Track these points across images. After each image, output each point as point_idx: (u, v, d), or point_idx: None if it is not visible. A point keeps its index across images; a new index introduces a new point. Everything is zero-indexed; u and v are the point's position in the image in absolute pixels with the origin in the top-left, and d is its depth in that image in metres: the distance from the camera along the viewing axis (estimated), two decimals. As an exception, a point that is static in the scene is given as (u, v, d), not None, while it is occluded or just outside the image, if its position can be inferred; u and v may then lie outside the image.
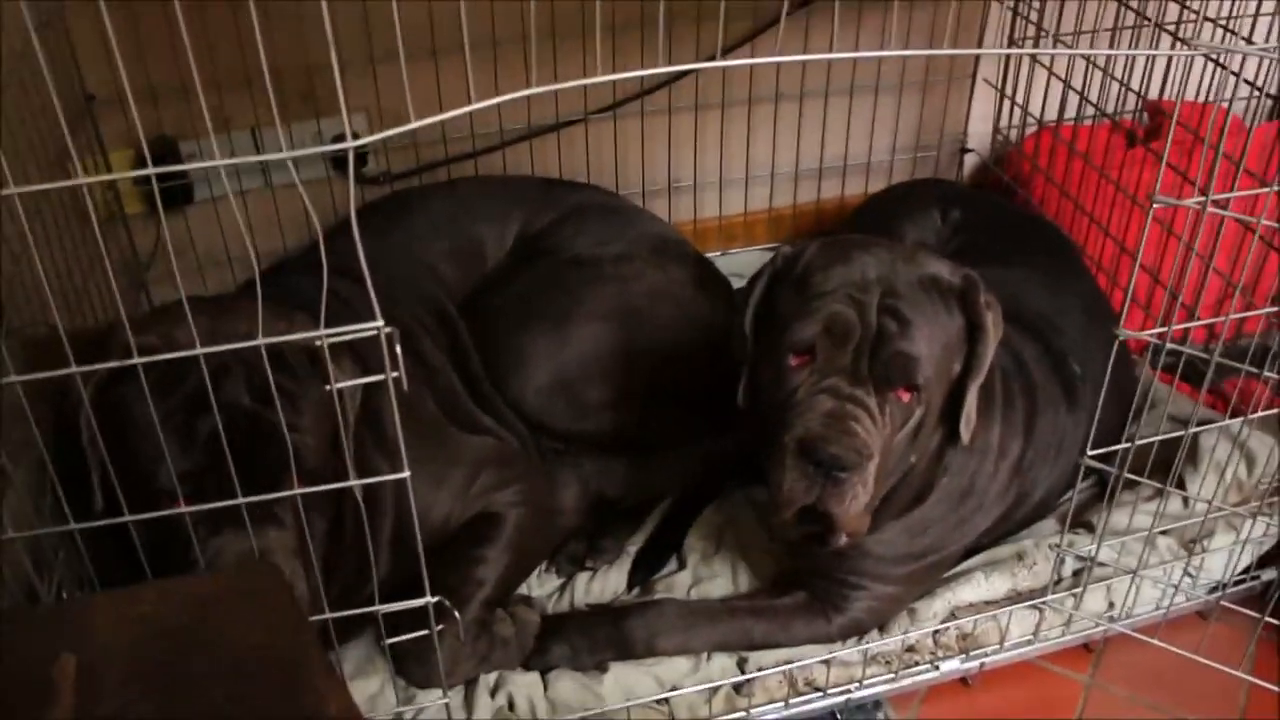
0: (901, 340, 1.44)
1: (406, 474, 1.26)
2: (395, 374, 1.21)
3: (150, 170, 1.10)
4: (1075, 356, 1.82)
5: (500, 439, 1.89)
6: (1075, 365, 1.81)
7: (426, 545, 1.72)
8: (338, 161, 2.22)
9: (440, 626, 1.40)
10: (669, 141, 2.32)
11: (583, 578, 1.87)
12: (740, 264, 2.37)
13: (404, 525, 1.71)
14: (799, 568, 1.76)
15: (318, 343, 1.18)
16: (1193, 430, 1.59)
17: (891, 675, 1.71)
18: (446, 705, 1.50)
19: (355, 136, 1.10)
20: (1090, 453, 1.56)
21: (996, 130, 2.45)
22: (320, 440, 1.49)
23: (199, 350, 1.15)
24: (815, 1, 2.14)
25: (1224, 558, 1.80)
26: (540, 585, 1.87)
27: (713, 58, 2.05)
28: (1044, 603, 1.75)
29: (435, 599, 1.37)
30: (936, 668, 1.74)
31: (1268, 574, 1.84)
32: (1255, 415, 1.66)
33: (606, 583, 1.86)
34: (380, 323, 1.17)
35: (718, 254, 2.46)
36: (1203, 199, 1.35)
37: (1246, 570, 1.83)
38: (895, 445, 1.49)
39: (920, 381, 1.45)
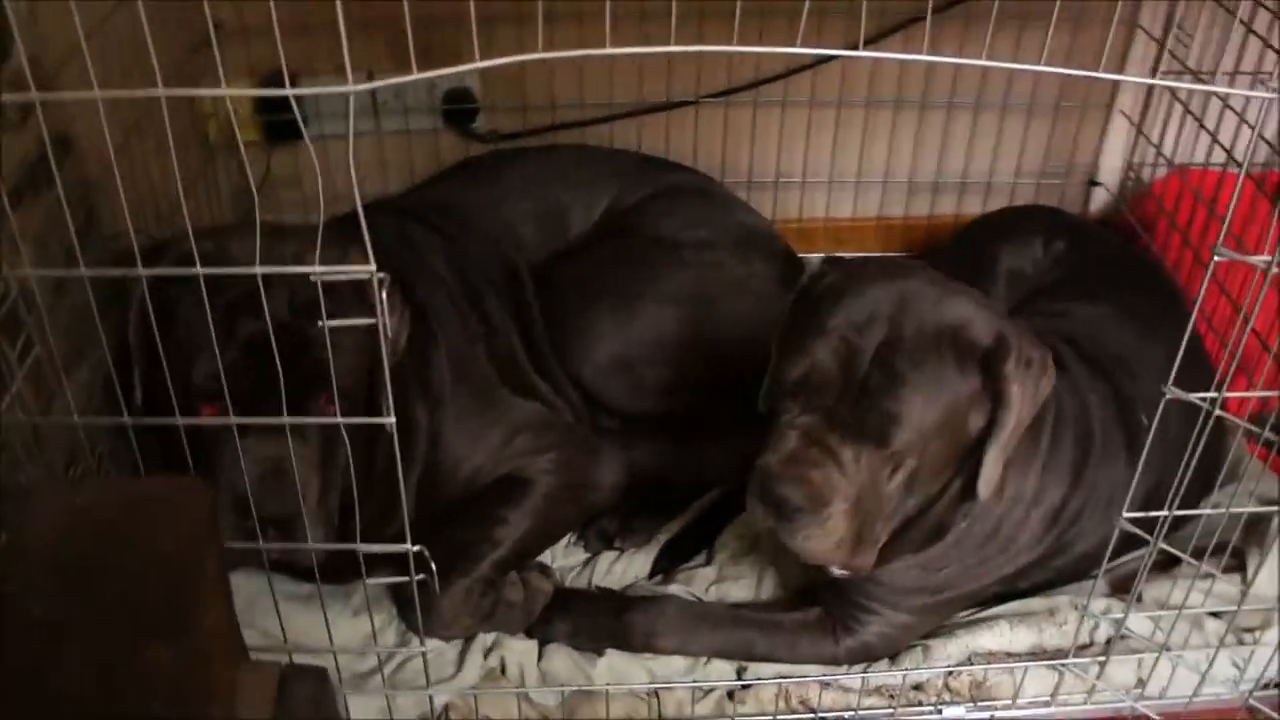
0: (885, 398, 1.35)
1: (391, 419, 1.27)
2: (384, 319, 1.22)
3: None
4: (1146, 408, 1.71)
5: (552, 407, 1.92)
6: (1143, 416, 1.69)
7: (452, 497, 1.79)
8: (447, 115, 2.29)
9: (421, 576, 1.42)
10: (780, 134, 2.29)
11: (608, 557, 1.88)
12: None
13: (433, 470, 1.76)
14: (816, 583, 1.73)
15: (311, 278, 1.20)
16: (1249, 510, 1.50)
17: (890, 710, 1.67)
18: (424, 655, 1.54)
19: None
20: (1127, 514, 1.48)
21: (1129, 167, 2.33)
22: (356, 367, 1.51)
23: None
24: (947, 9, 2.07)
25: (1268, 655, 1.68)
26: (564, 557, 1.88)
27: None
28: (1065, 664, 1.67)
29: (416, 548, 1.39)
30: (939, 711, 1.67)
31: (1328, 677, 1.72)
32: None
33: (630, 566, 1.87)
34: (372, 267, 1.18)
35: (819, 256, 2.41)
36: (1268, 258, 1.27)
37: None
38: (884, 492, 1.41)
39: (898, 445, 1.37)
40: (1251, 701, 1.67)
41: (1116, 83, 2.21)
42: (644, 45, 1.08)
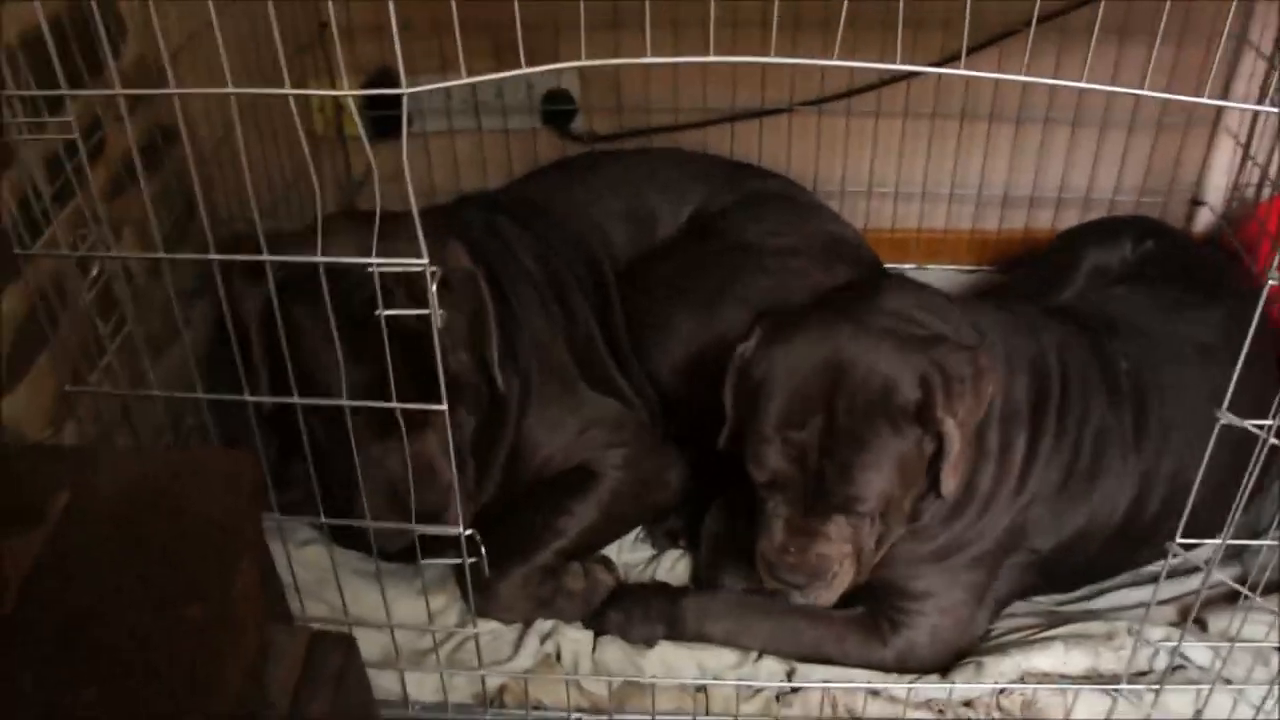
0: (840, 484, 1.48)
1: (444, 407, 1.33)
2: (441, 313, 1.27)
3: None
4: (1134, 364, 1.76)
5: (629, 405, 1.97)
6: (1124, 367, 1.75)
7: (525, 482, 1.86)
8: (546, 115, 2.36)
9: (474, 560, 1.49)
10: (873, 144, 2.31)
11: (671, 555, 1.92)
12: (941, 280, 2.32)
13: (515, 452, 1.84)
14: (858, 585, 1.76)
15: (369, 269, 1.26)
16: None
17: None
18: (476, 636, 1.62)
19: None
20: (1180, 539, 1.47)
21: (1235, 187, 2.28)
22: (473, 356, 1.63)
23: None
24: (1045, 22, 2.06)
25: (1345, 694, 1.64)
26: (630, 552, 1.94)
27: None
28: (1118, 690, 1.65)
29: (469, 531, 1.46)
30: (984, 729, 1.69)
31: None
32: None
33: (692, 566, 1.92)
34: (425, 260, 1.24)
35: (912, 267, 2.42)
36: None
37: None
38: (869, 539, 1.56)
39: (865, 511, 1.51)
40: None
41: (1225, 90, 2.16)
42: (735, 54, 1.12)
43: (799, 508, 1.53)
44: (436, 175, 2.37)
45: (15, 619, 0.94)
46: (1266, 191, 2.18)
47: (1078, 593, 1.88)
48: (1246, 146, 2.23)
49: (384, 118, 2.35)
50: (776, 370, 1.51)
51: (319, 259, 1.28)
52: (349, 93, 1.25)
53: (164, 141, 1.70)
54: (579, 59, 2.20)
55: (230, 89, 1.16)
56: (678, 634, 1.74)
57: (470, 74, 2.36)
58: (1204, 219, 2.38)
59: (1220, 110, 2.23)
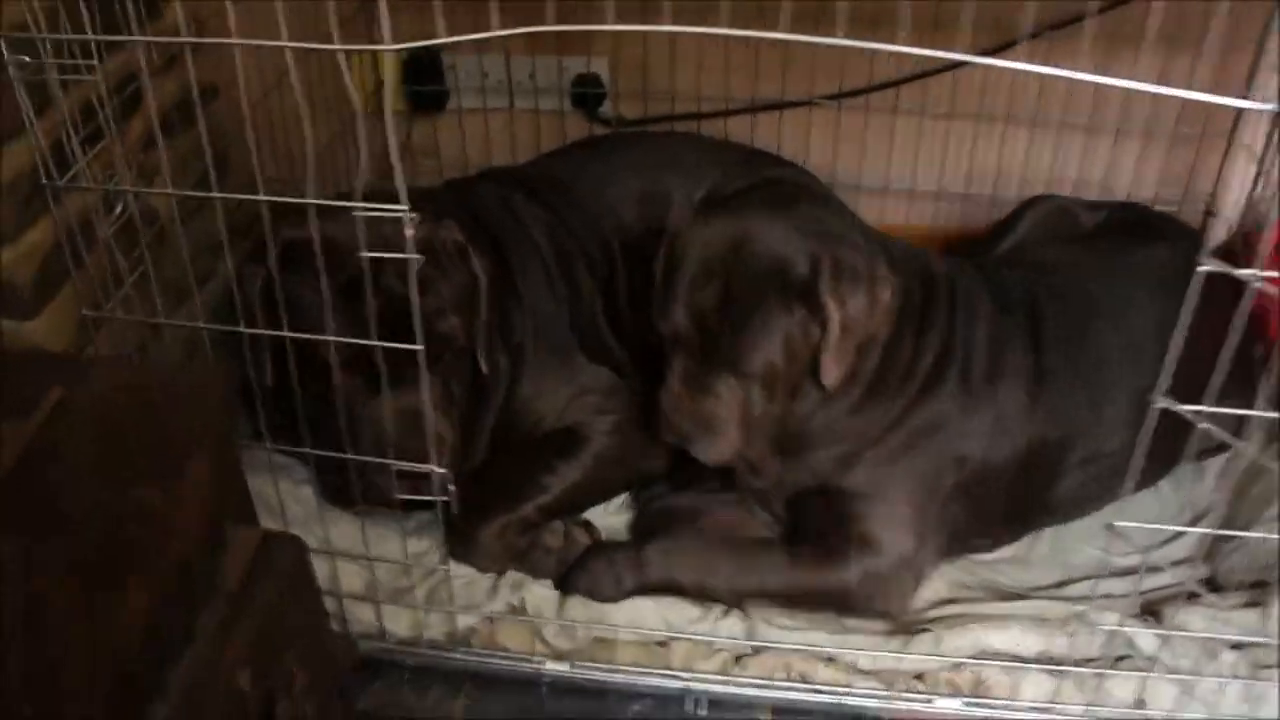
0: (728, 342, 1.68)
1: (421, 347, 1.47)
2: (419, 257, 1.41)
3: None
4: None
5: (624, 376, 2.11)
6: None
7: (517, 442, 2.00)
8: (576, 98, 2.51)
9: (446, 498, 1.64)
10: (890, 141, 2.42)
11: (654, 522, 2.06)
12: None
13: (506, 413, 1.98)
14: (795, 524, 1.92)
15: (353, 214, 1.40)
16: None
17: (886, 692, 1.78)
18: (448, 576, 1.76)
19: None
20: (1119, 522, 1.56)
21: (1251, 202, 2.33)
22: (458, 319, 1.77)
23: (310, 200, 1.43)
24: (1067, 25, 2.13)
25: (1288, 694, 1.70)
26: (615, 516, 2.06)
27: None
28: (1063, 670, 1.74)
29: (442, 470, 1.61)
30: (930, 700, 1.78)
31: (1355, 733, 1.73)
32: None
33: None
34: (405, 206, 1.38)
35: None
36: (1254, 273, 1.32)
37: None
38: (756, 400, 1.73)
39: (748, 372, 1.70)
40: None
41: (1238, 112, 2.21)
42: (775, 45, 1.24)
43: (694, 363, 1.72)
44: (470, 150, 2.53)
45: (6, 486, 1.10)
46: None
47: (1049, 581, 1.96)
48: (1263, 157, 2.28)
49: (424, 93, 2.53)
50: (694, 242, 1.71)
51: (310, 201, 1.42)
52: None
53: (200, 99, 1.87)
54: (612, 44, 2.37)
55: (285, 42, 1.31)
56: (645, 582, 1.85)
57: (507, 55, 2.52)
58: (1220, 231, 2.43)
59: (1236, 123, 2.28)
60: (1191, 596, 1.80)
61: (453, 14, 2.26)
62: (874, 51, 1.20)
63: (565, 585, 1.88)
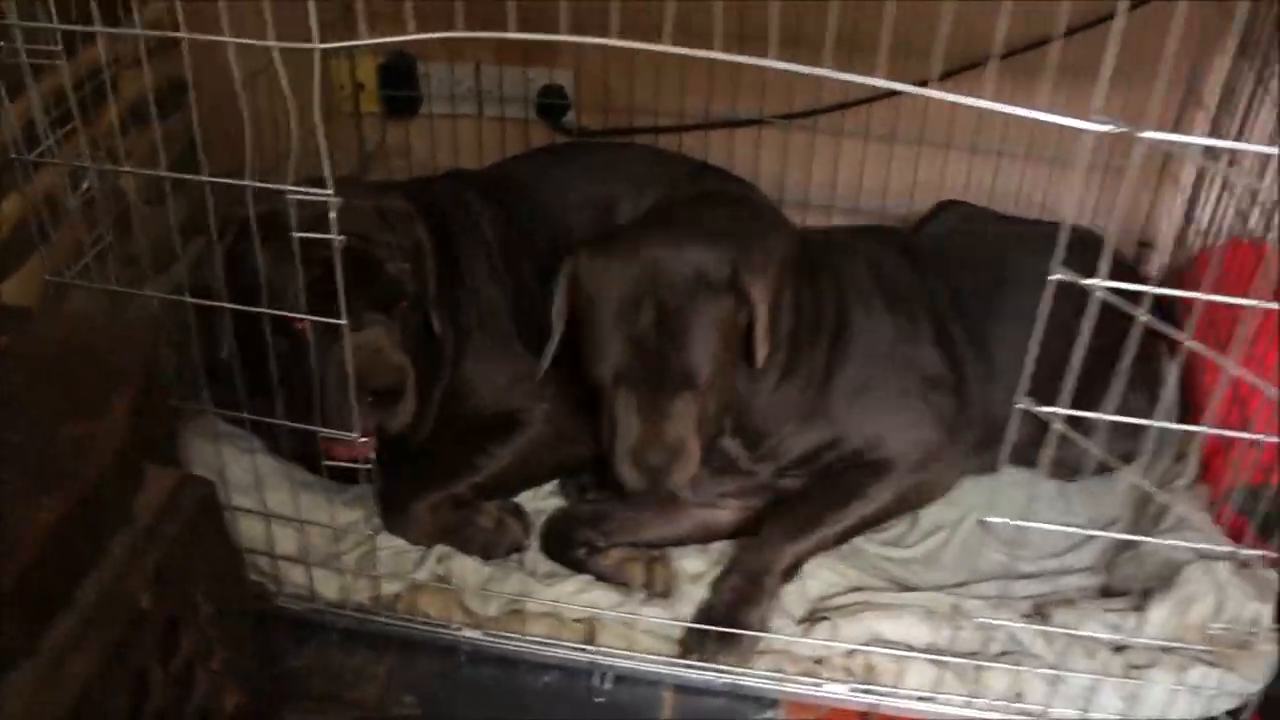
0: (679, 357, 1.80)
1: (344, 321, 1.63)
2: (341, 239, 1.57)
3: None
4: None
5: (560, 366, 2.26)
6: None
7: (455, 422, 2.15)
8: (540, 109, 2.68)
9: (369, 466, 1.80)
10: (835, 161, 2.57)
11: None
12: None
13: (452, 396, 2.14)
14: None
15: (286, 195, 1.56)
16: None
17: (779, 674, 1.91)
18: (374, 543, 1.92)
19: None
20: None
21: (1183, 234, 2.46)
22: (412, 281, 1.95)
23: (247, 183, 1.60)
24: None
25: (1164, 695, 1.82)
26: (544, 500, 2.20)
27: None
28: (944, 660, 1.87)
29: (364, 439, 1.76)
30: (820, 685, 1.91)
31: (1223, 735, 1.85)
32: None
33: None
34: (330, 191, 1.54)
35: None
36: (1099, 283, 1.46)
37: (1205, 722, 1.85)
38: (711, 412, 1.87)
39: (702, 380, 1.81)
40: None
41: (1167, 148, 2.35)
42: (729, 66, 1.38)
43: (645, 394, 1.82)
44: (440, 153, 2.70)
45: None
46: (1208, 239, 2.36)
47: (953, 581, 2.09)
48: (1194, 191, 2.41)
49: (397, 98, 2.71)
50: (605, 281, 1.83)
51: (247, 183, 1.58)
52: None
53: (170, 93, 2.04)
54: (575, 57, 2.54)
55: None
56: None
57: (477, 65, 2.70)
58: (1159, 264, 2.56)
59: (1167, 157, 2.42)
60: (1067, 601, 1.93)
61: (425, 25, 2.44)
62: (798, 74, 1.33)
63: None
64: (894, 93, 2.27)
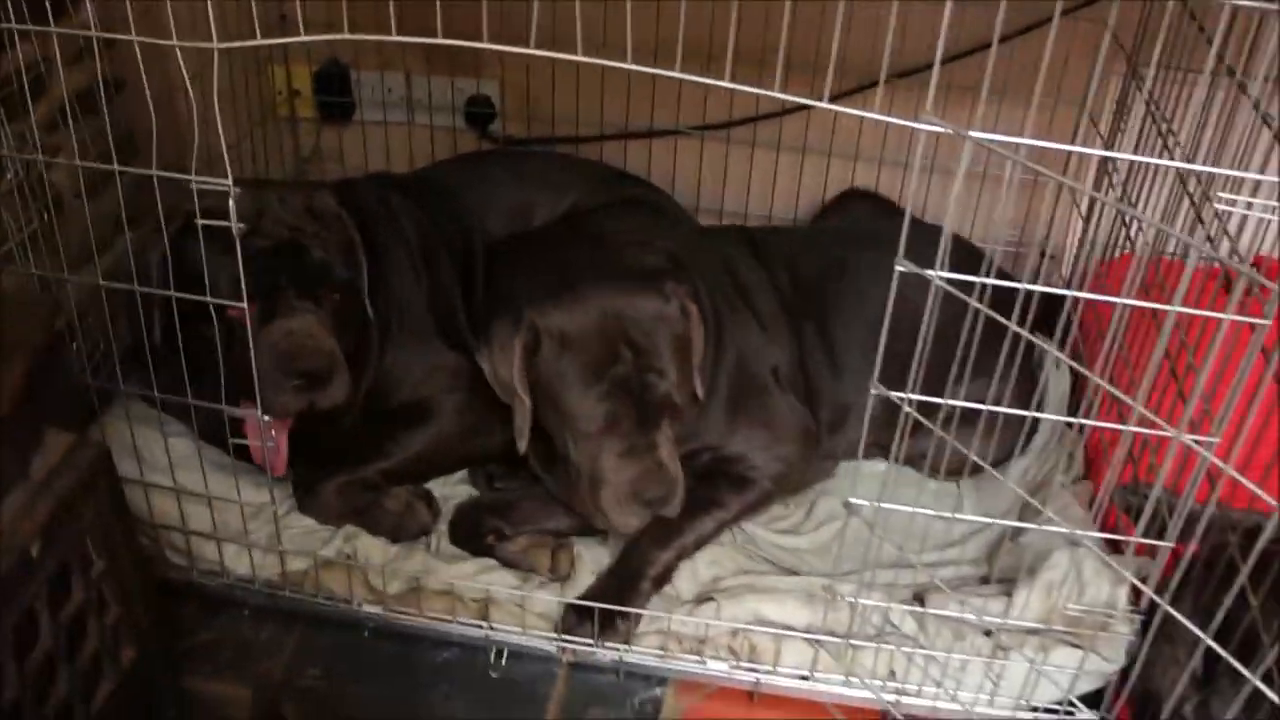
0: (661, 388, 1.95)
1: (244, 304, 1.76)
2: (239, 225, 1.70)
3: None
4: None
5: (475, 364, 2.39)
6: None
7: (371, 409, 2.27)
8: (468, 117, 2.82)
9: (273, 444, 1.93)
10: (749, 172, 2.72)
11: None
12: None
13: (377, 388, 2.27)
14: None
15: (190, 184, 1.70)
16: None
17: (663, 652, 2.03)
18: (277, 520, 2.04)
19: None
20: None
21: (1082, 244, 2.59)
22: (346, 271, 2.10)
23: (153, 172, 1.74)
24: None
25: (1030, 676, 1.93)
26: (453, 487, 2.34)
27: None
28: (817, 639, 1.99)
29: (267, 417, 1.89)
30: (704, 663, 2.03)
31: (1084, 715, 1.97)
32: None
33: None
34: (229, 180, 1.66)
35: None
36: (940, 273, 1.61)
37: (1069, 704, 1.97)
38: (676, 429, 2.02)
39: (681, 401, 1.98)
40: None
41: (1068, 160, 2.49)
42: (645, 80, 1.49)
43: (632, 431, 1.94)
44: (372, 159, 2.84)
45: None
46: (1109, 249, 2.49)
47: (845, 570, 2.21)
48: (1089, 204, 2.55)
49: (330, 104, 2.85)
50: (571, 334, 1.95)
51: (154, 172, 1.70)
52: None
53: (104, 90, 2.17)
54: (500, 68, 2.68)
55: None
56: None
57: (407, 74, 2.84)
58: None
59: (1065, 169, 2.55)
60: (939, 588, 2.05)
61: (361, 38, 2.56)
62: (710, 88, 1.46)
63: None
64: (801, 107, 2.44)
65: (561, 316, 1.97)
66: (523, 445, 2.04)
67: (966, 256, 2.16)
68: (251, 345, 1.85)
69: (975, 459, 1.84)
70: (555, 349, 1.97)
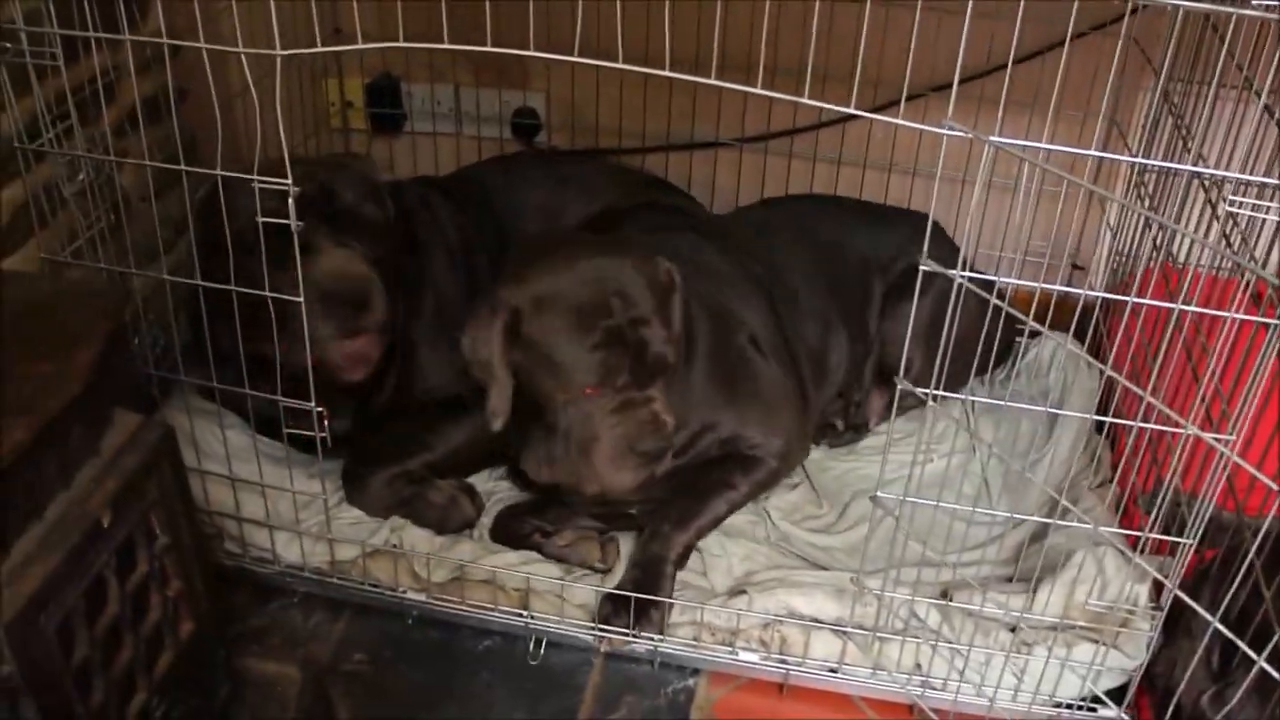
0: (654, 343, 1.97)
1: (301, 299, 1.87)
2: (299, 224, 1.80)
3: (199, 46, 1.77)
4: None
5: None
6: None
7: (412, 403, 2.37)
8: (514, 128, 2.93)
9: (324, 434, 2.02)
10: (786, 183, 2.80)
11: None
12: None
13: (408, 375, 2.37)
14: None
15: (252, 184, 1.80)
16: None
17: (694, 642, 2.11)
18: (327, 509, 2.14)
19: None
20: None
21: (1115, 254, 2.65)
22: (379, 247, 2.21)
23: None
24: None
25: (1054, 671, 2.00)
26: (494, 482, 2.44)
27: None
28: (845, 630, 2.06)
29: (320, 409, 1.99)
30: (735, 653, 2.10)
31: (1107, 712, 2.02)
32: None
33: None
34: (289, 181, 1.77)
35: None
36: (925, 260, 1.68)
37: (1092, 700, 2.03)
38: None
39: (675, 358, 2.01)
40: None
41: (1098, 172, 2.56)
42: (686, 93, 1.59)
43: (629, 386, 1.96)
44: (421, 168, 2.95)
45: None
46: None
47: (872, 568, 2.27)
48: (1121, 213, 2.61)
49: (382, 116, 2.97)
50: (547, 302, 1.96)
51: (217, 172, 1.81)
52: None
53: (168, 100, 2.28)
54: (546, 81, 2.78)
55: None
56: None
57: (456, 86, 2.94)
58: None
59: (1094, 178, 2.61)
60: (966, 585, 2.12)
61: (411, 51, 2.68)
62: (753, 102, 1.55)
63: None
64: (836, 121, 2.51)
65: (536, 284, 1.98)
66: (499, 424, 2.03)
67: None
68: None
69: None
70: (536, 313, 1.96)
